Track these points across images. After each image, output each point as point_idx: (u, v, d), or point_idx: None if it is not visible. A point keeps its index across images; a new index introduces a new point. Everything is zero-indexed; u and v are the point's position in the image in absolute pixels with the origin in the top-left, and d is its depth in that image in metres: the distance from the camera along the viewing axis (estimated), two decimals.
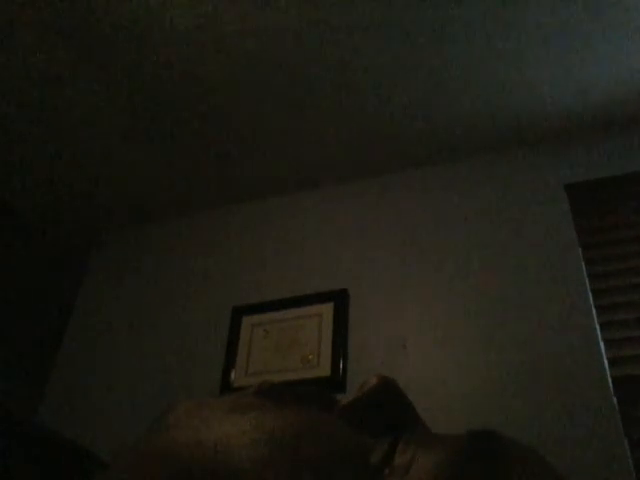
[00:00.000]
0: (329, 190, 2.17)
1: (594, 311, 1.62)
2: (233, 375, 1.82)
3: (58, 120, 1.93)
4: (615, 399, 1.47)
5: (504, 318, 1.68)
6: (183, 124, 1.96)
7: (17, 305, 2.08)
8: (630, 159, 1.84)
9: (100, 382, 1.99)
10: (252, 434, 0.28)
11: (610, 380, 1.50)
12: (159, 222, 2.37)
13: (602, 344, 1.56)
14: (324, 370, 1.73)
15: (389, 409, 0.32)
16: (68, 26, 1.65)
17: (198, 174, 2.16)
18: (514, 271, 1.75)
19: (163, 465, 0.28)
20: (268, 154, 2.07)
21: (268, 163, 2.11)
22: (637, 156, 1.84)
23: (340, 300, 1.86)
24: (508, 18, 1.61)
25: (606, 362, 1.53)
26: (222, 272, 2.11)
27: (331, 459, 0.27)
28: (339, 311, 1.83)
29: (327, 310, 1.84)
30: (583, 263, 1.71)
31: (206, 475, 0.26)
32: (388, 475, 0.27)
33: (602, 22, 1.61)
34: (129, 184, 2.20)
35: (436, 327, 1.73)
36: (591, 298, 1.64)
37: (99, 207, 2.30)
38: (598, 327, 1.59)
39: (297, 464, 0.26)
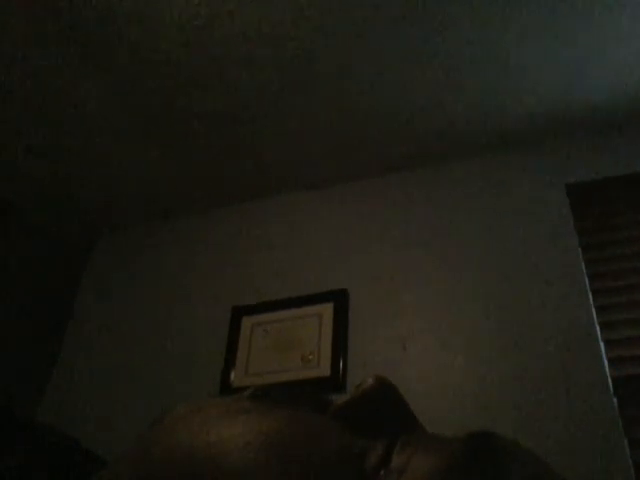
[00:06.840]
0: (329, 190, 2.17)
1: (594, 311, 1.62)
2: (233, 375, 1.82)
3: (58, 120, 1.93)
4: (615, 399, 1.47)
5: (504, 318, 1.68)
6: (183, 124, 1.96)
7: (17, 305, 2.08)
8: (630, 159, 1.84)
9: (100, 382, 1.99)
10: (246, 437, 0.28)
11: (610, 380, 1.50)
12: (159, 222, 2.37)
13: (602, 344, 1.56)
14: (324, 370, 1.73)
15: (386, 410, 0.31)
16: (68, 26, 1.65)
17: (198, 174, 2.16)
18: (514, 271, 1.75)
19: (159, 469, 0.28)
20: (268, 154, 2.07)
21: (268, 163, 2.11)
22: (637, 156, 1.84)
23: (340, 300, 1.85)
24: (508, 17, 1.61)
25: (606, 362, 1.53)
26: (222, 272, 2.11)
27: (326, 461, 0.27)
28: (339, 311, 1.83)
29: (327, 310, 1.84)
30: (583, 263, 1.71)
31: (201, 478, 0.26)
32: (384, 477, 0.27)
33: (603, 22, 1.61)
34: (129, 184, 2.20)
35: (436, 327, 1.73)
36: (591, 298, 1.64)
37: (99, 207, 2.30)
38: (598, 327, 1.59)
39: (291, 466, 0.26)
